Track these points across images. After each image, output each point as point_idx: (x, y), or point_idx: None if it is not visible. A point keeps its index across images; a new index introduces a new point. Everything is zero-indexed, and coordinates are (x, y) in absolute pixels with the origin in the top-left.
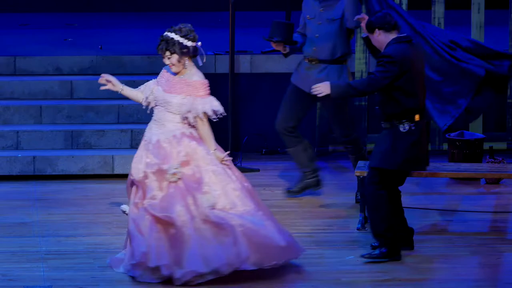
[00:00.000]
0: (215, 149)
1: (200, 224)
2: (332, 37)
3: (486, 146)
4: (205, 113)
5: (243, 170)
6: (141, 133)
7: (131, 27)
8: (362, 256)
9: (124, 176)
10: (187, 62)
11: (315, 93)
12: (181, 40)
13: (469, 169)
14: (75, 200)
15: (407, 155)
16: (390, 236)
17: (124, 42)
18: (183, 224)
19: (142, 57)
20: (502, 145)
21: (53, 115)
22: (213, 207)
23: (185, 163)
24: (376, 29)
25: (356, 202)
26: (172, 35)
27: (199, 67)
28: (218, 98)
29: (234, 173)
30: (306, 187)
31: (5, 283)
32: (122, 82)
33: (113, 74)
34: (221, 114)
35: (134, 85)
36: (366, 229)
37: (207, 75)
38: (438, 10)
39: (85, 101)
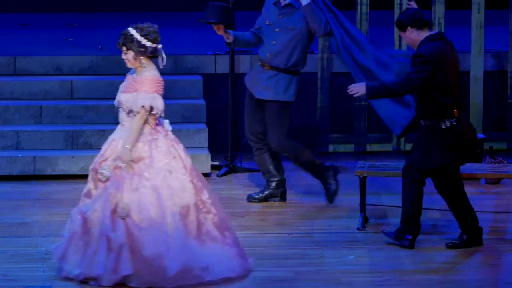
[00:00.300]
0: (128, 147)
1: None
2: (288, 45)
3: (486, 146)
4: (143, 107)
5: (243, 170)
6: None
7: None
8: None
9: None
10: (144, 61)
11: (351, 93)
12: (140, 38)
13: (469, 169)
14: (75, 200)
15: (452, 152)
16: (412, 223)
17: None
18: (92, 225)
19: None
20: (502, 145)
21: (53, 115)
22: (123, 215)
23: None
24: (408, 27)
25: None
26: (132, 31)
27: (159, 68)
28: (218, 98)
29: (168, 190)
30: (270, 196)
31: (5, 283)
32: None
33: (113, 75)
34: (158, 113)
35: None
36: (366, 229)
37: (207, 75)
38: (438, 10)
39: (85, 101)
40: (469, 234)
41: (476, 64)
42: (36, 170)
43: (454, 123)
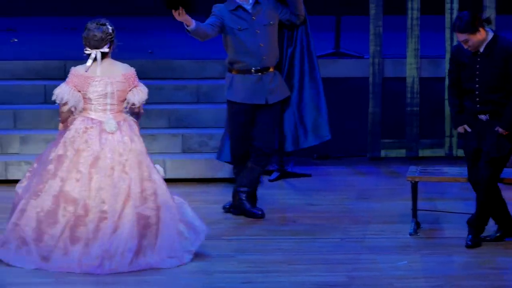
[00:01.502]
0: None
1: None
2: (274, 41)
3: None
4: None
5: (294, 175)
6: (191, 137)
7: (180, 31)
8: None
9: (175, 180)
10: None
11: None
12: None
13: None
14: None
15: None
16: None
17: (174, 46)
18: None
19: (191, 61)
20: None
21: None
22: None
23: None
24: (480, 28)
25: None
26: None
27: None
28: None
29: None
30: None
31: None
32: (172, 86)
33: (162, 79)
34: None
35: (185, 89)
36: (418, 234)
37: None
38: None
39: None
40: (504, 230)
41: None
42: None
43: None
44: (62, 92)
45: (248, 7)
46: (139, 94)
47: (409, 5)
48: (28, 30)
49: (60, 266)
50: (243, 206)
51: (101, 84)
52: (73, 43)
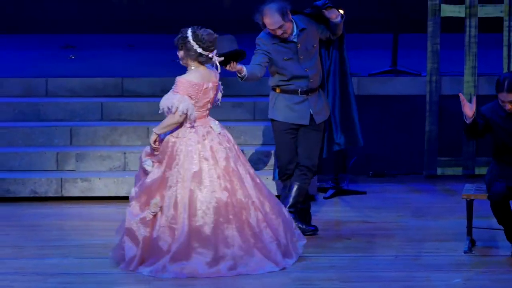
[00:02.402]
0: (154, 131)
1: None
2: (317, 63)
3: None
4: (168, 108)
5: (350, 192)
6: (247, 154)
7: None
8: None
9: None
10: (192, 63)
11: None
12: (193, 42)
13: None
14: None
15: None
16: None
17: None
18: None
19: None
20: None
21: None
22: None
23: (158, 162)
24: None
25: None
26: (189, 33)
27: None
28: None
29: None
30: None
31: None
32: (229, 104)
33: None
34: (171, 112)
35: (242, 107)
36: (473, 252)
37: None
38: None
39: None
40: None
41: None
42: None
43: None
44: (186, 105)
45: (293, 37)
46: None
47: (467, 23)
48: (86, 47)
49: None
50: (296, 224)
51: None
52: (130, 60)
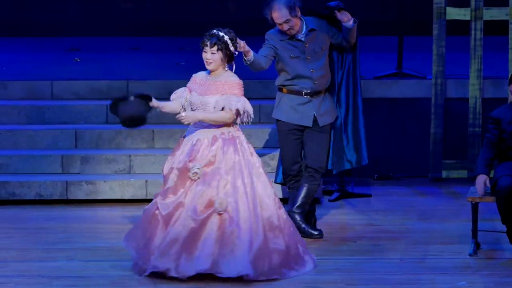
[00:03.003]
0: (198, 115)
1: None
2: (325, 66)
3: None
4: (237, 109)
5: (355, 195)
6: None
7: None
8: None
9: None
10: (225, 65)
11: None
12: (229, 42)
13: None
14: None
15: None
16: None
17: (237, 67)
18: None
19: (253, 81)
20: None
21: (166, 139)
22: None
23: (209, 164)
24: None
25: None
26: (222, 34)
27: None
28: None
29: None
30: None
31: None
32: None
33: None
34: (250, 116)
35: None
36: (478, 255)
37: None
38: None
39: None
40: None
41: None
42: (148, 194)
43: None
44: (250, 106)
45: (301, 36)
46: None
47: (472, 26)
48: (91, 50)
49: None
50: (300, 227)
51: None
52: (135, 62)
